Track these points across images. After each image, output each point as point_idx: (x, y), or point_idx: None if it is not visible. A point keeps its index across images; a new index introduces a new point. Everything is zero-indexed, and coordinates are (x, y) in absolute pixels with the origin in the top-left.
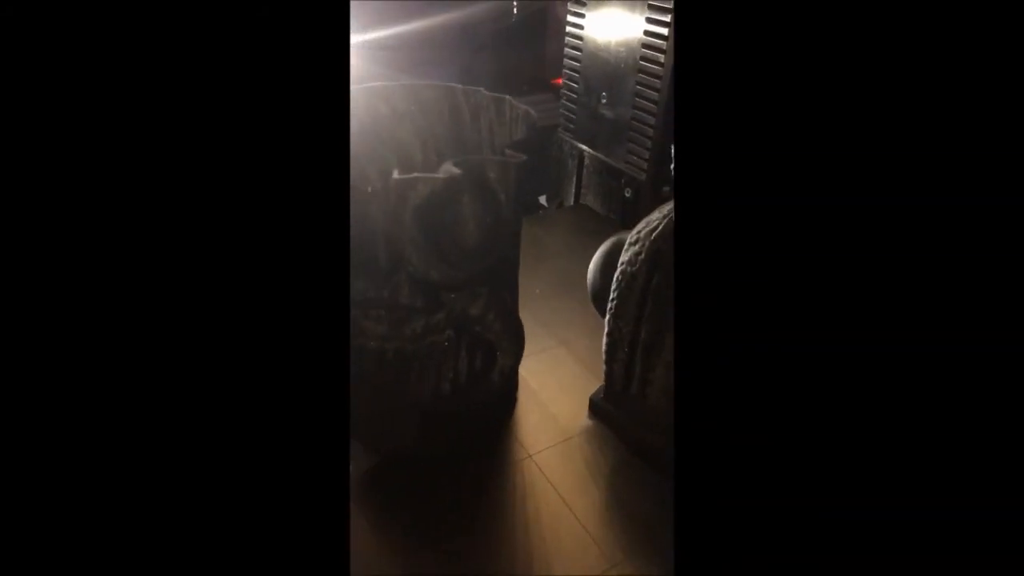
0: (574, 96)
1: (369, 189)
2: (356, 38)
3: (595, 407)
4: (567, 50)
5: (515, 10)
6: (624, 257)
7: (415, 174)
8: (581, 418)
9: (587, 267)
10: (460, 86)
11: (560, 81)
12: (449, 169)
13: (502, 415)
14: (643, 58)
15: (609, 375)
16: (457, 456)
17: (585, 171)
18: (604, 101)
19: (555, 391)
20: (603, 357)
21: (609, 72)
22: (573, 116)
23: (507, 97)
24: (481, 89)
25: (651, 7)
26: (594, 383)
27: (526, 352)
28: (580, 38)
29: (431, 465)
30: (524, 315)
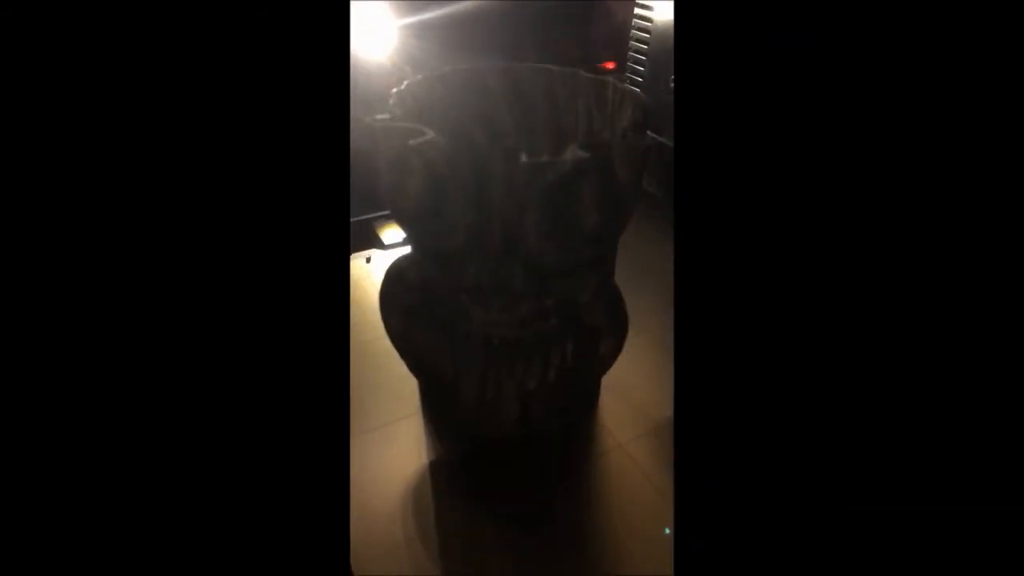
0: (639, 80)
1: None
2: (410, 18)
3: None
4: (634, 32)
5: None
6: None
7: (544, 158)
8: (667, 408)
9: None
10: (556, 67)
11: (609, 65)
12: (576, 153)
13: (589, 402)
14: None
15: None
16: (549, 442)
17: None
18: (672, 85)
19: (637, 380)
20: None
21: None
22: None
23: (609, 79)
24: (579, 71)
25: None
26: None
27: None
28: (648, 19)
29: (522, 450)
30: None
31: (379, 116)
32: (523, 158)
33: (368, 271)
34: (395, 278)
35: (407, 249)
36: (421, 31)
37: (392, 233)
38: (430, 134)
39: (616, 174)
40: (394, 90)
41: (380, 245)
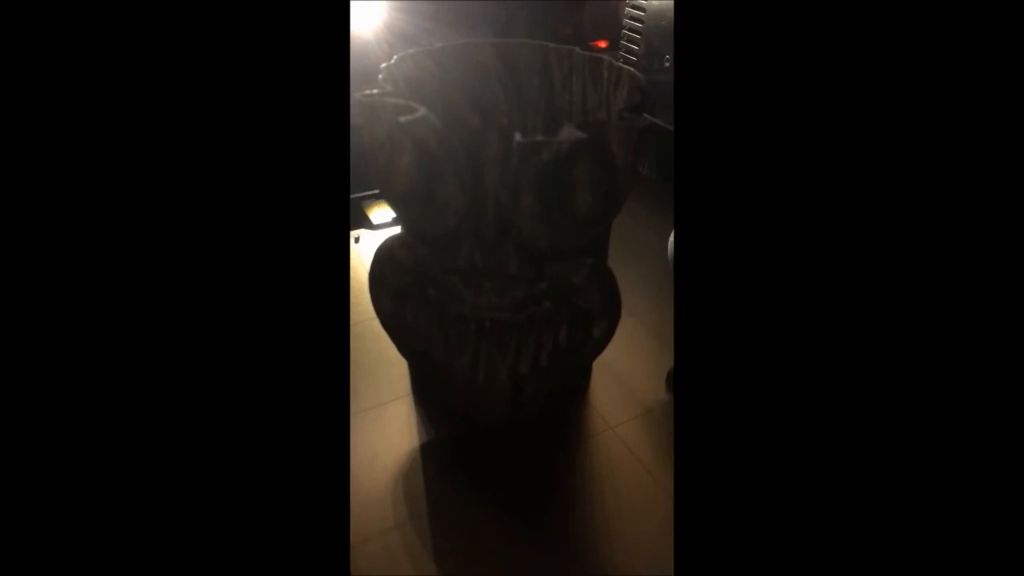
0: (633, 59)
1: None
2: None
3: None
4: (628, 9)
5: None
6: None
7: (539, 138)
8: (659, 391)
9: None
10: (553, 45)
11: (601, 43)
12: (572, 133)
13: (581, 385)
14: None
15: None
16: (540, 425)
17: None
18: (667, 64)
19: (629, 363)
20: None
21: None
22: None
23: (605, 58)
24: (576, 49)
25: None
26: (667, 355)
27: None
28: None
29: (515, 433)
30: None
31: (367, 92)
32: (518, 137)
33: (357, 252)
34: (385, 259)
35: (396, 229)
36: (410, 5)
37: (380, 213)
38: (421, 111)
39: (612, 155)
40: (383, 65)
41: (368, 225)
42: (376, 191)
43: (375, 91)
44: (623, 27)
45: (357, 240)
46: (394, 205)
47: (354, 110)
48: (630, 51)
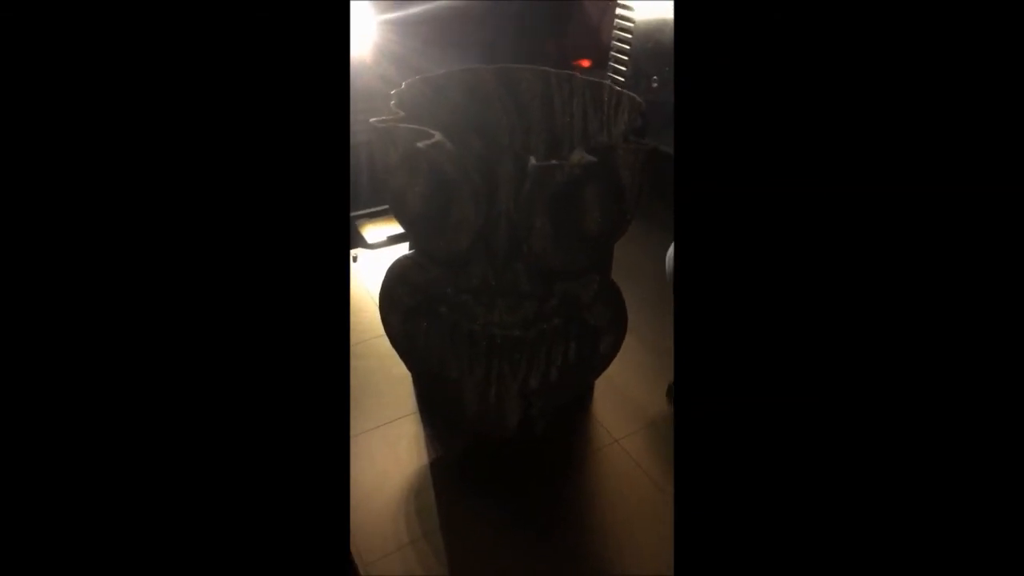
0: (621, 80)
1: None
2: (395, 13)
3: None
4: (616, 32)
5: None
6: None
7: (554, 161)
8: (661, 404)
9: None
10: (553, 70)
11: (584, 63)
12: (584, 156)
13: (585, 400)
14: None
15: None
16: (546, 438)
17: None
18: (655, 84)
19: (631, 377)
20: None
21: (662, 52)
22: None
23: (606, 82)
24: (575, 73)
25: None
26: (667, 369)
27: None
28: (631, 20)
29: (522, 447)
30: None
31: (381, 118)
32: (532, 161)
33: (355, 270)
34: (397, 278)
35: (393, 248)
36: (401, 27)
37: (376, 231)
38: (437, 136)
39: (620, 176)
40: (393, 91)
41: (364, 244)
42: (370, 209)
43: (388, 117)
44: (611, 48)
45: (355, 259)
46: (407, 226)
47: (357, 128)
48: (618, 71)
